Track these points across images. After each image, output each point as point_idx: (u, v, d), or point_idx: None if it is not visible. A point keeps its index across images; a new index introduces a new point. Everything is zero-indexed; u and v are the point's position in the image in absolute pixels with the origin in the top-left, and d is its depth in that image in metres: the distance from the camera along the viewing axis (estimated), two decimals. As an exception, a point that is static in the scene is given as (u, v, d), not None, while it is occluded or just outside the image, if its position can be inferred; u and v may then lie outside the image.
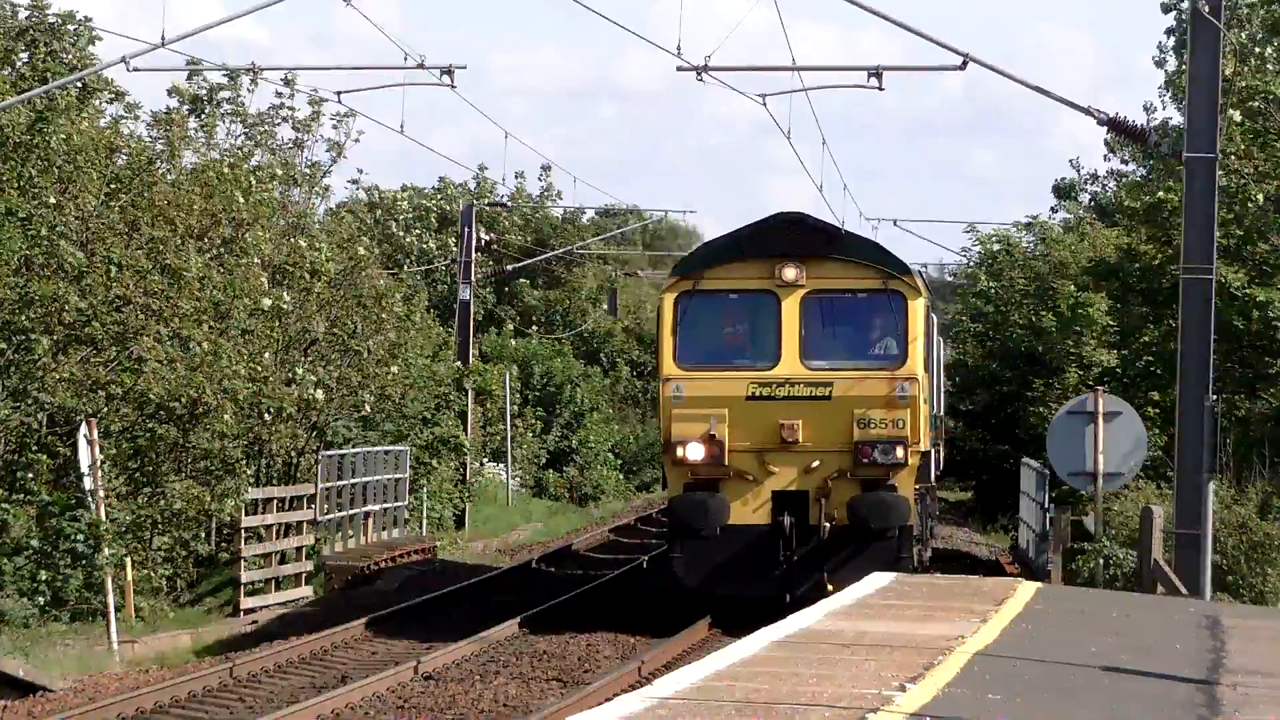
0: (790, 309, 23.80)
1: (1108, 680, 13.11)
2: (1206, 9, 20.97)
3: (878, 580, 19.94)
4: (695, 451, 23.38)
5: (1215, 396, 22.09)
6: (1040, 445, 28.83)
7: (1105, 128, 24.38)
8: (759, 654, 13.44)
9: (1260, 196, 29.93)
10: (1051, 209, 58.19)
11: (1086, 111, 22.36)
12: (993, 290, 44.99)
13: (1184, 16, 36.19)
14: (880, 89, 23.99)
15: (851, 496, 23.36)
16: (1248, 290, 30.36)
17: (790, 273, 23.56)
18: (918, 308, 23.83)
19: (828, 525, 23.40)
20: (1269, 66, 31.11)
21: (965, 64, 22.99)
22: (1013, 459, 38.28)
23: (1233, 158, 28.61)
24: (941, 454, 35.81)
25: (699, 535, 23.35)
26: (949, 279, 64.60)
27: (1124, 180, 51.90)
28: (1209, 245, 21.57)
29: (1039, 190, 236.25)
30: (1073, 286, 38.60)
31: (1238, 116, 27.97)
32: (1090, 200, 57.56)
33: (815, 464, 23.53)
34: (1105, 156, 58.02)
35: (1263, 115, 30.06)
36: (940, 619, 16.25)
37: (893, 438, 23.32)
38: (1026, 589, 19.73)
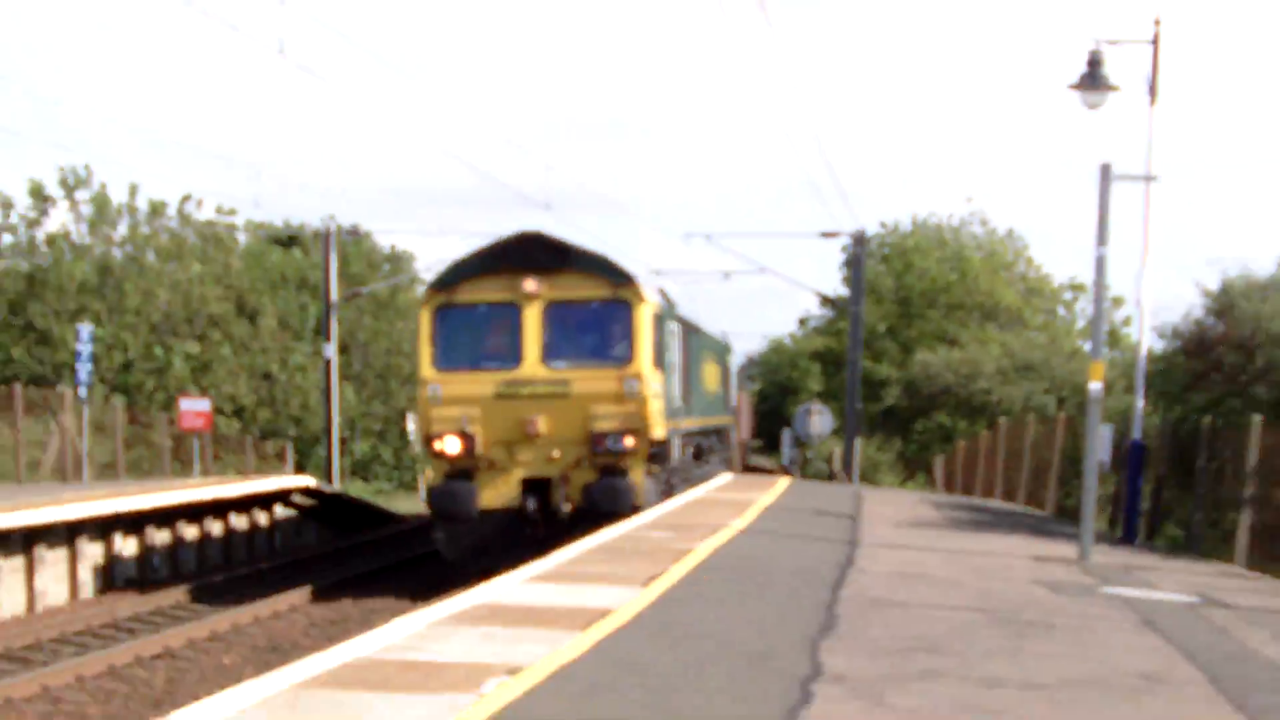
0: (532, 317, 24.22)
1: (817, 515, 24.01)
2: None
3: (728, 476, 35.28)
4: (452, 445, 23.94)
5: (860, 405, 47.94)
6: (790, 423, 53.20)
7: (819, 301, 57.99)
8: (680, 507, 23.90)
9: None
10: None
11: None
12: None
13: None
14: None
15: (586, 482, 23.88)
16: (902, 364, 59.76)
17: (530, 285, 24.09)
18: (644, 313, 24.04)
19: (567, 508, 23.94)
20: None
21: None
22: (782, 426, 62.56)
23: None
24: (741, 428, 48.64)
25: (456, 518, 23.83)
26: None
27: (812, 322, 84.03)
28: (857, 351, 47.47)
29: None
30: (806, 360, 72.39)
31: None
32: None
33: (557, 453, 24.08)
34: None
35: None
36: (754, 491, 28.67)
37: (623, 429, 23.77)
38: (786, 480, 36.02)
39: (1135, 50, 24.16)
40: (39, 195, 50.08)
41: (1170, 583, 18.08)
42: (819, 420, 47.15)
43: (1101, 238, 19.46)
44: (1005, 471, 39.06)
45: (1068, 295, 73.85)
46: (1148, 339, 27.19)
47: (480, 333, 24.50)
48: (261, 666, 18.15)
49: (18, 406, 36.71)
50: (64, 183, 50.43)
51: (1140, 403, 26.16)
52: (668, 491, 26.78)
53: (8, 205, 49.92)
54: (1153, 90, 24.16)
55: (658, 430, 24.67)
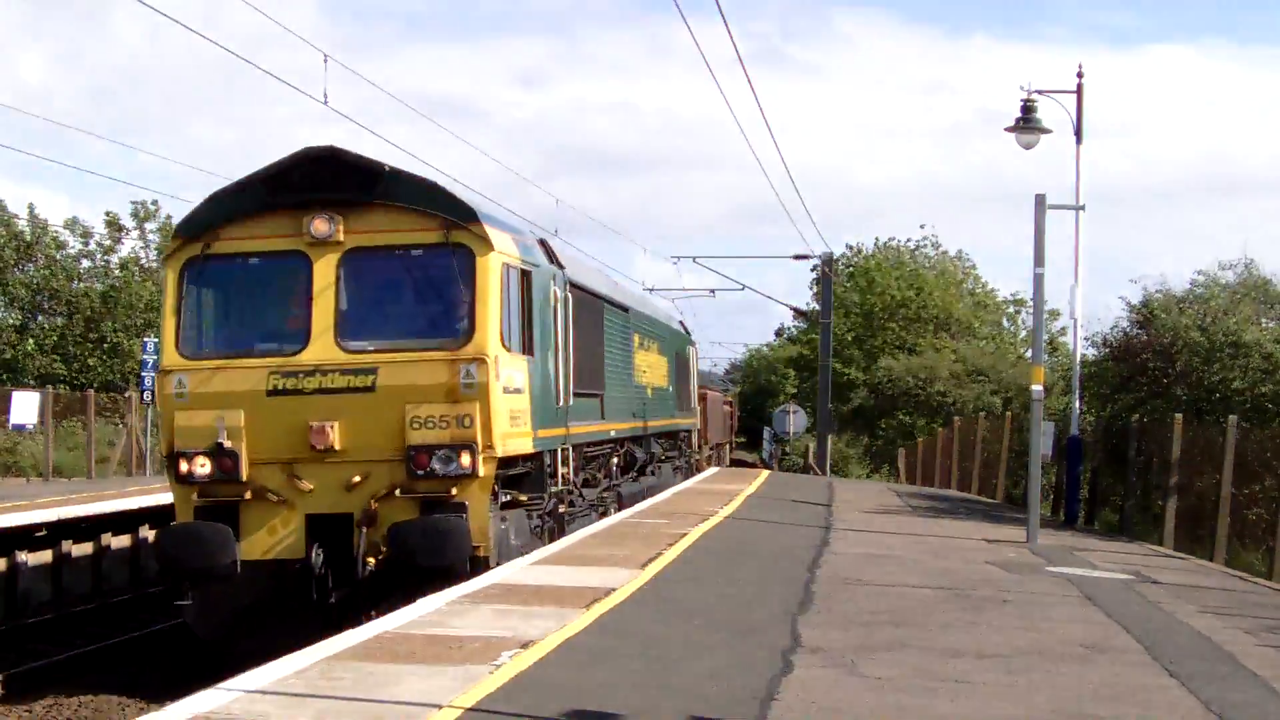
0: (324, 273, 14.79)
1: (794, 504, 24.58)
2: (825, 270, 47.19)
3: (714, 469, 36.71)
4: (202, 466, 14.48)
5: (830, 406, 48.39)
6: (769, 421, 56.73)
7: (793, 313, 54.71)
8: (675, 494, 25.01)
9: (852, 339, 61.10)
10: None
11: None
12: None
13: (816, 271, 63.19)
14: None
15: (399, 522, 14.16)
16: (867, 369, 59.80)
17: (322, 226, 14.74)
18: (493, 265, 14.74)
19: (370, 561, 14.28)
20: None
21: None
22: (762, 425, 67.82)
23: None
24: (710, 429, 46.12)
25: (209, 575, 14.26)
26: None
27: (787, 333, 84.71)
28: (827, 358, 47.99)
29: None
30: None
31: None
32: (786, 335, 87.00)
33: (358, 478, 14.45)
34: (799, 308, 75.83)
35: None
36: (739, 482, 29.40)
37: (457, 440, 14.26)
38: (765, 473, 37.55)
39: (1065, 97, 24.26)
40: (114, 226, 51.22)
41: (1107, 562, 17.93)
42: (794, 419, 47.87)
43: (1038, 259, 19.42)
44: (959, 464, 39.10)
45: (1011, 309, 74.04)
46: (1081, 347, 27.36)
47: (247, 299, 15.39)
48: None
49: (90, 409, 37.05)
50: (135, 215, 51.52)
51: (1077, 402, 26.16)
52: (554, 528, 17.68)
53: (87, 234, 51.15)
54: (1078, 132, 24.19)
55: (517, 440, 15.36)
